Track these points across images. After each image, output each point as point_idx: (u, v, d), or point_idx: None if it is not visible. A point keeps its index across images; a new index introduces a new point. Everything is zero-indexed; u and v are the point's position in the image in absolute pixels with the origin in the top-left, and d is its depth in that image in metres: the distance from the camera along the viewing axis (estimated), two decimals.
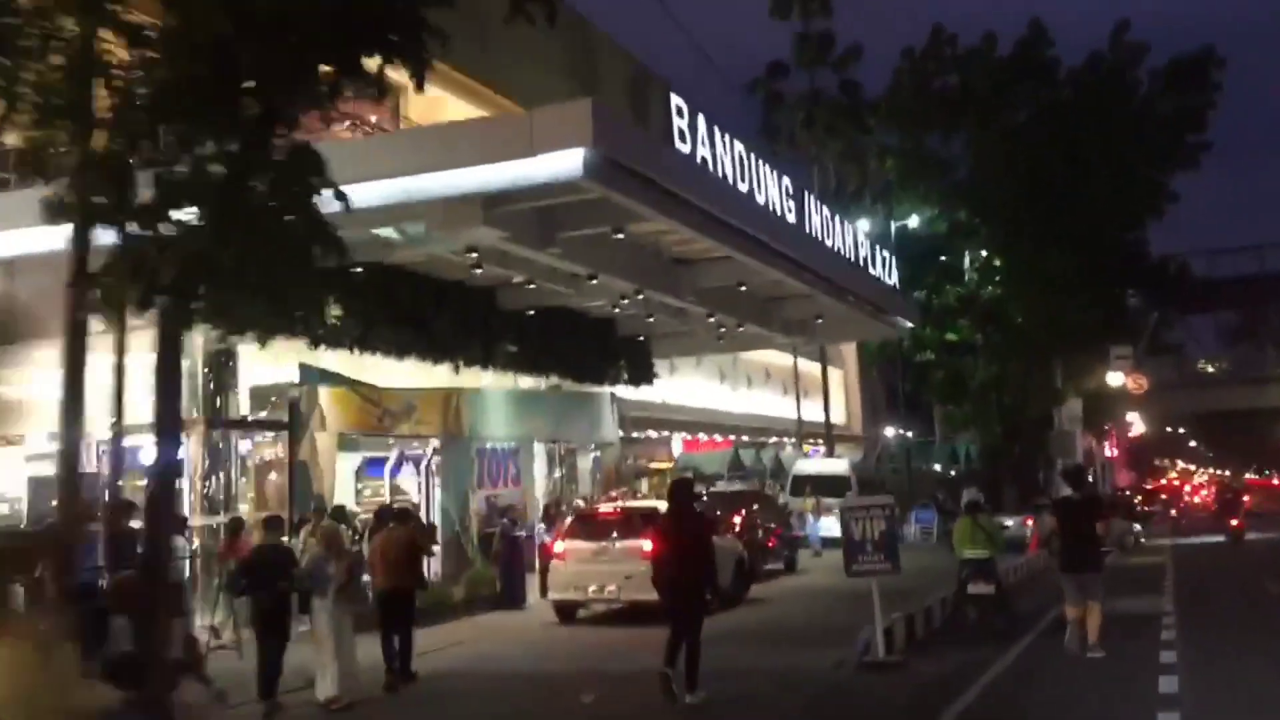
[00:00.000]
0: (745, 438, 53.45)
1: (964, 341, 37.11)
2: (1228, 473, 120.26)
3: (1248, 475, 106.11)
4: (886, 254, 28.31)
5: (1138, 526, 36.73)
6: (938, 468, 52.03)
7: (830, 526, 29.10)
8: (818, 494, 29.67)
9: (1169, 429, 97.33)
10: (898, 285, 29.25)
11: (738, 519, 20.04)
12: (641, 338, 28.56)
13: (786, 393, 55.71)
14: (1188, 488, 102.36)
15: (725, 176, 17.16)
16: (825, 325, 28.60)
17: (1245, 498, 42.89)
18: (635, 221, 17.02)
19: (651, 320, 26.26)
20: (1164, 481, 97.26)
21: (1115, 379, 41.68)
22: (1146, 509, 50.32)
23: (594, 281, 19.62)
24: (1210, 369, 63.23)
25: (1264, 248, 53.68)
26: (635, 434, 45.93)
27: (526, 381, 26.15)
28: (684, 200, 15.65)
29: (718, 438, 51.68)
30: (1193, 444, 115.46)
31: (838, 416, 65.35)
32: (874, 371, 57.99)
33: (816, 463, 32.48)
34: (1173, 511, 60.02)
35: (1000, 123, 35.36)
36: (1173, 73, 35.53)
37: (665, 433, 46.61)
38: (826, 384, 39.10)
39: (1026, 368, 36.75)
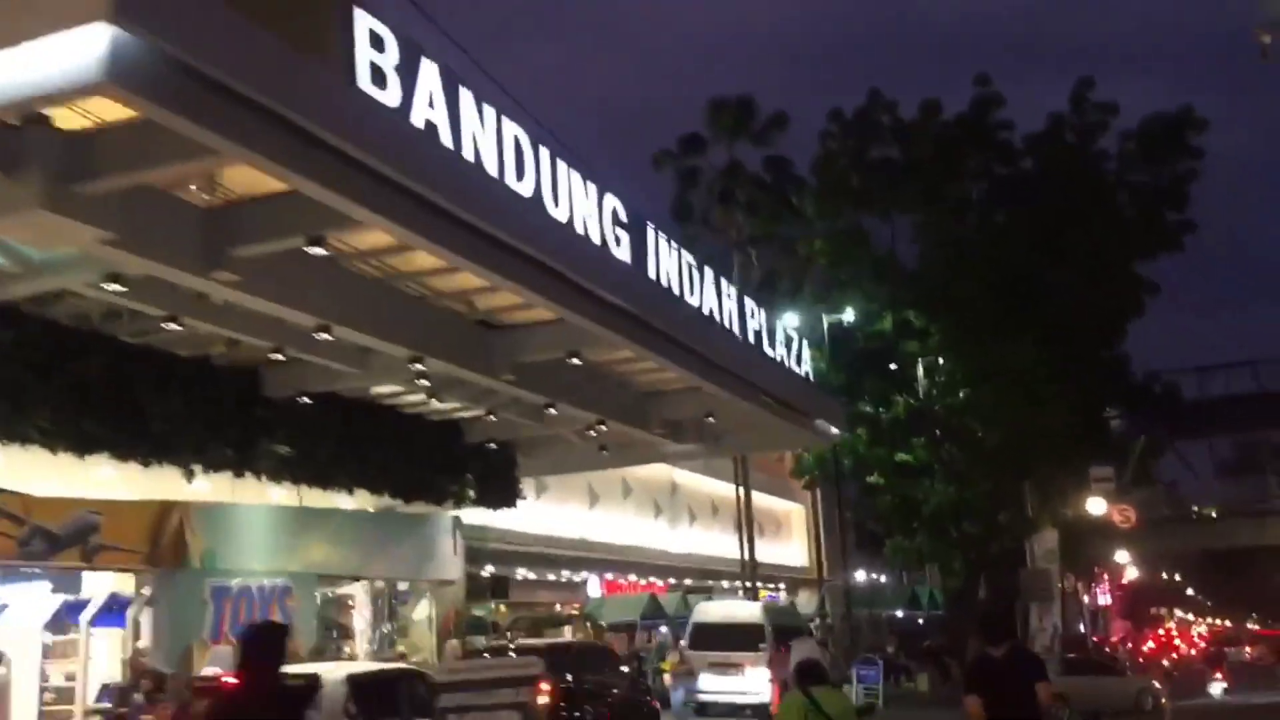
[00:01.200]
0: (689, 581, 47.34)
1: (920, 463, 31.12)
2: (1227, 623, 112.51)
3: (1251, 624, 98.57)
4: (793, 333, 22.54)
5: (1157, 684, 30.04)
6: (901, 614, 45.45)
7: (717, 685, 22.68)
8: (719, 647, 23.21)
9: (1165, 575, 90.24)
10: (811, 375, 23.42)
11: (545, 685, 13.68)
12: (493, 444, 22.49)
13: (740, 530, 49.50)
14: (1191, 636, 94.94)
15: (479, 162, 11.41)
16: (725, 430, 22.67)
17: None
18: (346, 230, 11.25)
19: (495, 420, 20.34)
20: (1161, 632, 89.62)
21: (1097, 506, 35.47)
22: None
23: (326, 337, 13.64)
24: (1212, 513, 56.70)
25: (1259, 364, 48.14)
26: (550, 575, 39.72)
27: (345, 502, 20.08)
28: (376, 175, 9.83)
29: (657, 581, 45.42)
30: (1190, 591, 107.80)
31: (799, 558, 58.73)
32: (816, 497, 52.07)
33: (722, 607, 26.00)
34: (1165, 662, 53.91)
35: (949, 198, 30.08)
36: (1147, 136, 30.39)
37: (584, 574, 40.41)
38: (750, 508, 32.82)
39: (991, 491, 30.65)
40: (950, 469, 31.06)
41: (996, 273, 30.09)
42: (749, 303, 19.79)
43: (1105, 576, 68.15)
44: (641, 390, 20.61)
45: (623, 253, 14.36)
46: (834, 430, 24.47)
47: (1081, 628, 54.23)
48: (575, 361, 16.00)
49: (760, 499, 52.37)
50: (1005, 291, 29.78)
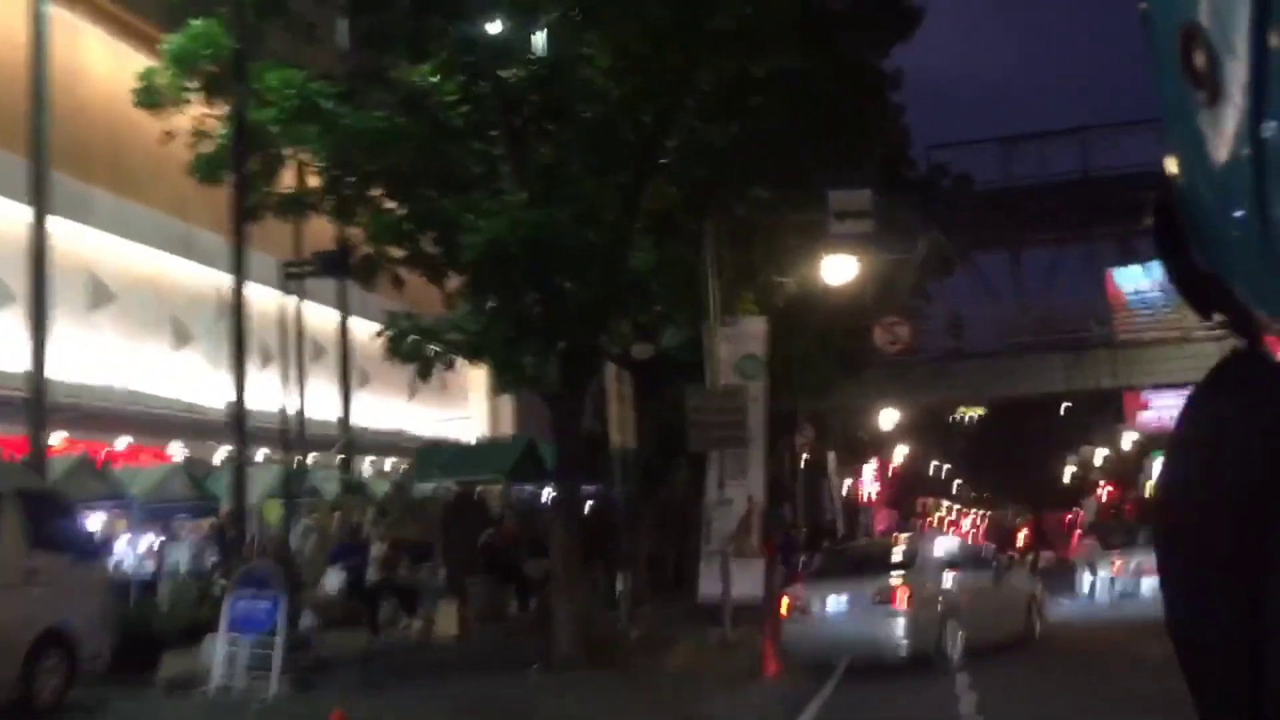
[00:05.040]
0: (227, 449, 30.75)
1: (487, 171, 14.28)
2: (987, 513, 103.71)
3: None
4: None
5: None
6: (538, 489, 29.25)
7: None
8: None
9: (935, 462, 78.73)
10: None
11: None
12: None
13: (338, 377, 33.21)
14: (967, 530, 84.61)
15: None
16: None
17: None
18: None
19: None
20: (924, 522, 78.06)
21: (836, 272, 18.59)
22: None
23: None
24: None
25: (1088, 132, 33.11)
26: None
27: None
28: None
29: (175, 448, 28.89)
30: (959, 482, 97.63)
31: (478, 426, 41.74)
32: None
33: None
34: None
35: None
36: None
37: None
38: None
39: (622, 217, 14.06)
40: (541, 173, 14.30)
41: None
42: None
43: (871, 462, 55.36)
44: None
45: None
46: None
47: (837, 522, 40.50)
48: None
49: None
50: None
